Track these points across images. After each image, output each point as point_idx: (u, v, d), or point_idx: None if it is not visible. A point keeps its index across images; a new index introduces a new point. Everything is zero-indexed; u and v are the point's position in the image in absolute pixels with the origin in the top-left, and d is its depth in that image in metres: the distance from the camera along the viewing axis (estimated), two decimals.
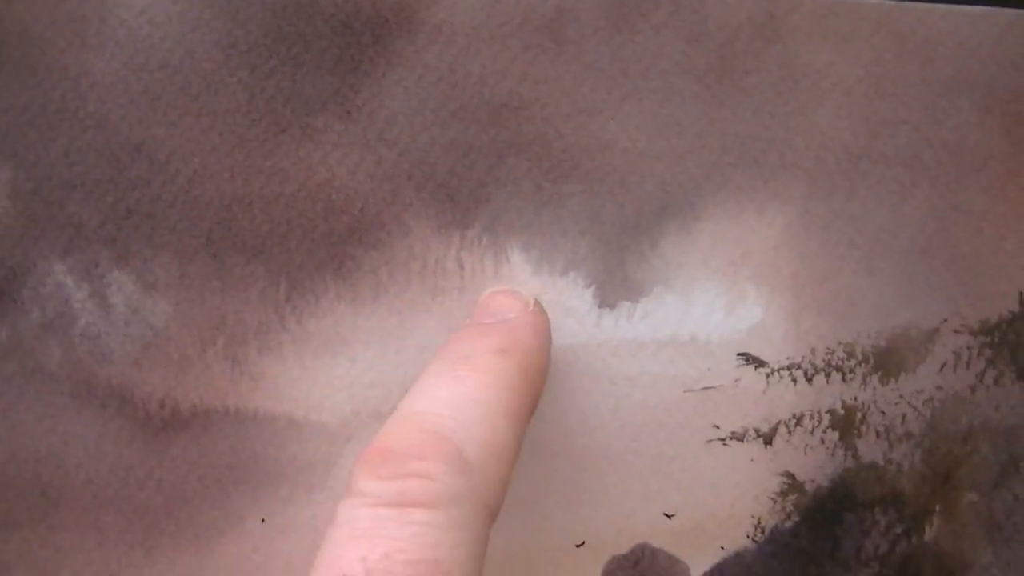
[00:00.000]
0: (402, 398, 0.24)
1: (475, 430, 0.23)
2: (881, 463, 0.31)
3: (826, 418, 0.31)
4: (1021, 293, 0.31)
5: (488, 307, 0.29)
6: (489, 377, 0.24)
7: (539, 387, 0.26)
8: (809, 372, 0.31)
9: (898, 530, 0.31)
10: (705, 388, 0.31)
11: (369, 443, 0.23)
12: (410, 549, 0.20)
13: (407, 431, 0.22)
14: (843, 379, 0.31)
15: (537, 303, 0.28)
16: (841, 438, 0.31)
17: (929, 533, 0.31)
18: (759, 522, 0.31)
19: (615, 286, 0.31)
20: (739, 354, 0.31)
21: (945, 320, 0.31)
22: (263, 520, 0.30)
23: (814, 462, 0.31)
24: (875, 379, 0.31)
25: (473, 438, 0.22)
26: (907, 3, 0.35)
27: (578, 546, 0.31)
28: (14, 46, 0.31)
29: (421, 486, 0.21)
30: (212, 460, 0.31)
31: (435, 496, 0.21)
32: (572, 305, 0.31)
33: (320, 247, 0.31)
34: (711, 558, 0.31)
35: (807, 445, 0.31)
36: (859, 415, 0.31)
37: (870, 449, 0.31)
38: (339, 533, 0.21)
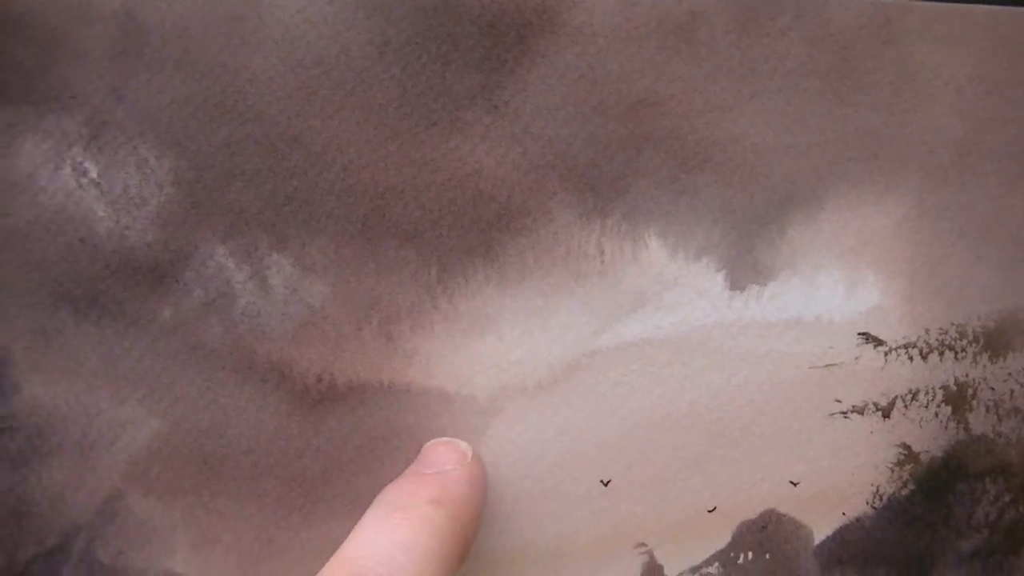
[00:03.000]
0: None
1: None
2: (991, 436, 0.33)
3: (940, 393, 0.32)
4: None
5: (428, 457, 0.30)
6: (422, 525, 0.26)
7: (471, 534, 0.28)
8: (924, 351, 0.32)
9: (1006, 499, 0.33)
10: (828, 365, 0.32)
11: None
12: None
13: (340, 575, 0.25)
14: (955, 357, 0.32)
15: (475, 455, 0.29)
16: (953, 412, 0.33)
17: None
18: (878, 490, 0.33)
19: (745, 270, 0.32)
20: (859, 334, 0.32)
21: None
22: None
23: (928, 434, 0.33)
24: (985, 358, 0.33)
25: None
26: (1014, 8, 0.37)
27: (710, 511, 0.32)
28: (175, 44, 0.31)
29: None
30: (367, 431, 0.32)
31: None
32: (705, 287, 0.32)
33: (469, 232, 0.32)
34: (833, 523, 0.32)
35: (922, 418, 0.32)
36: (970, 391, 0.33)
37: (980, 422, 0.33)
38: None
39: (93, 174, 0.32)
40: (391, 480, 0.32)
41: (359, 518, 0.31)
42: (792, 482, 0.32)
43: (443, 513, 0.26)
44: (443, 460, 0.29)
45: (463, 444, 0.30)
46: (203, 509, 0.32)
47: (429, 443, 0.31)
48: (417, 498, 0.26)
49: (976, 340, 0.32)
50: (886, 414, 0.32)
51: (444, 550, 0.25)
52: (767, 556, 0.32)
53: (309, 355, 0.32)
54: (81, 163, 0.32)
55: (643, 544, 0.32)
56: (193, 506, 0.32)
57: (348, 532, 0.32)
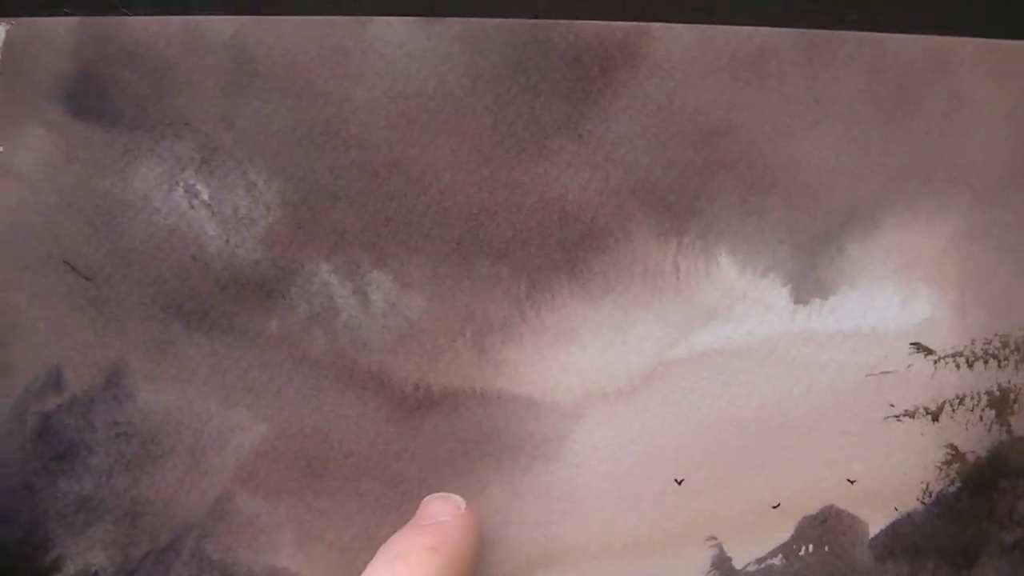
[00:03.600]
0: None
1: None
2: None
3: (984, 398, 0.34)
4: None
5: (425, 511, 0.32)
6: (420, 570, 0.28)
7: None
8: (970, 359, 0.34)
9: None
10: (883, 373, 0.34)
11: None
12: None
13: None
14: (999, 365, 0.34)
15: (468, 507, 0.32)
16: (997, 415, 0.35)
17: None
18: (927, 487, 0.35)
19: (808, 285, 0.34)
20: (911, 344, 0.34)
21: None
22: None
23: (974, 436, 0.35)
24: None
25: None
26: None
27: (774, 507, 0.34)
28: (282, 75, 0.33)
29: None
30: (460, 435, 0.34)
31: None
32: (771, 301, 0.34)
33: (556, 251, 0.34)
34: (886, 518, 0.34)
35: (968, 421, 0.34)
36: (1012, 396, 0.35)
37: (1021, 425, 0.35)
38: None
39: (204, 196, 0.34)
40: (481, 481, 0.35)
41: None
42: (849, 480, 0.34)
43: (439, 559, 0.29)
44: (439, 512, 0.31)
45: (457, 498, 0.32)
46: (307, 508, 0.34)
47: (427, 498, 0.33)
48: (415, 546, 0.29)
49: (1018, 349, 0.35)
50: (935, 418, 0.34)
51: None
52: (826, 548, 0.35)
53: (407, 365, 0.34)
54: (193, 185, 0.34)
55: (713, 537, 0.35)
56: (297, 506, 0.34)
57: None
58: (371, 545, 0.34)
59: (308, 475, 0.34)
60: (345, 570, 0.34)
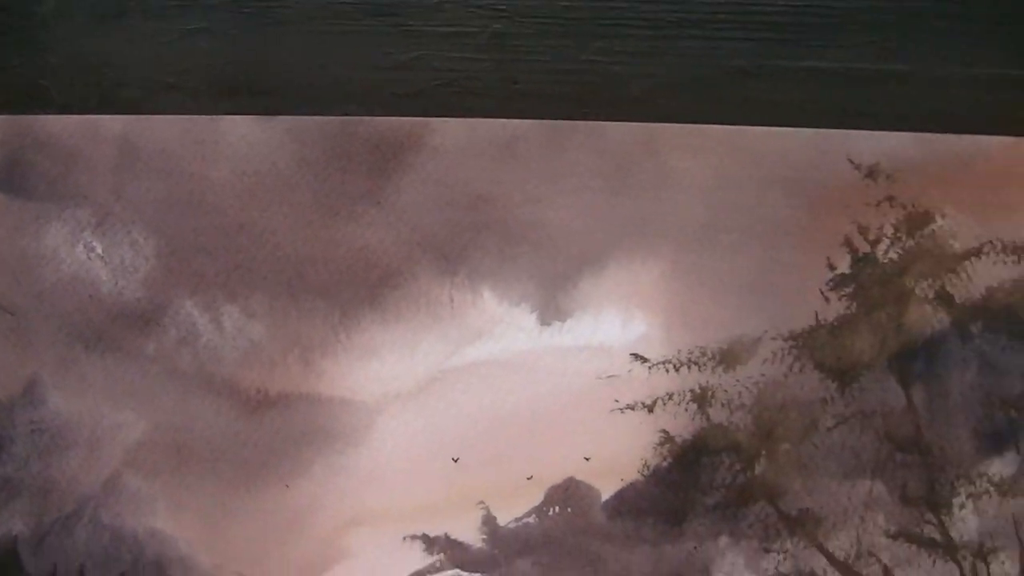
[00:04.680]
0: None
1: None
2: (725, 424, 0.45)
3: (689, 394, 0.45)
4: (816, 312, 0.46)
5: None
6: None
7: None
8: (677, 365, 0.45)
9: (737, 467, 0.45)
10: (609, 376, 0.45)
11: None
12: None
13: None
14: (699, 369, 0.45)
15: None
16: (699, 408, 0.45)
17: (758, 469, 0.46)
18: (646, 463, 0.45)
19: (551, 311, 0.45)
20: (631, 354, 0.45)
21: (765, 331, 0.45)
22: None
23: (681, 423, 0.45)
24: (720, 369, 0.45)
25: None
26: (743, 127, 0.52)
27: (528, 479, 0.45)
28: (158, 159, 0.45)
29: None
30: (291, 428, 0.45)
31: None
32: (523, 324, 0.45)
33: (361, 288, 0.45)
34: (615, 486, 0.45)
35: (676, 412, 0.45)
36: (710, 392, 0.45)
37: (718, 414, 0.45)
38: None
39: (99, 250, 0.46)
40: (307, 462, 0.46)
41: (283, 489, 0.45)
42: (586, 458, 0.46)
43: None
44: None
45: None
46: (176, 483, 0.46)
47: None
48: None
49: (714, 357, 0.46)
50: (651, 410, 0.46)
51: None
52: (568, 510, 0.46)
53: (251, 375, 0.46)
54: (90, 242, 0.46)
55: (482, 503, 0.46)
56: (169, 482, 0.46)
57: (278, 499, 0.46)
58: (225, 511, 0.45)
59: (177, 459, 0.45)
60: (205, 529, 0.45)
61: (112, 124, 0.45)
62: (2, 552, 0.45)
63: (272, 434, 0.45)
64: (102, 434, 0.45)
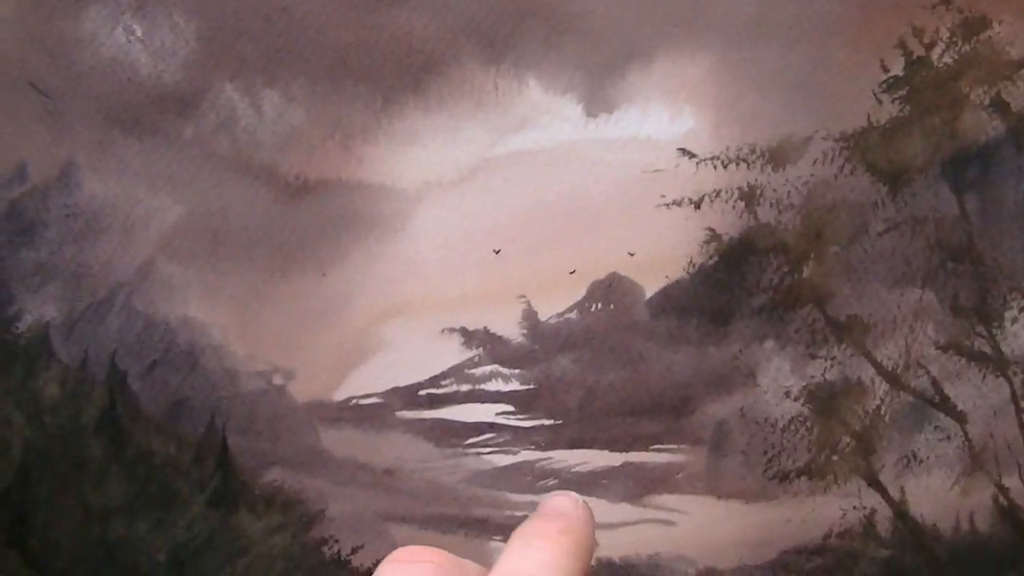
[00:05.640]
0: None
1: None
2: (773, 223, 0.44)
3: (736, 192, 0.44)
4: (868, 114, 0.45)
5: (550, 506, 0.33)
6: (558, 549, 0.30)
7: (588, 561, 0.31)
8: (725, 161, 0.44)
9: (785, 269, 0.44)
10: (656, 171, 0.44)
11: None
12: None
13: None
14: (748, 167, 0.44)
15: (584, 502, 0.33)
16: (746, 206, 0.44)
17: (806, 272, 0.45)
18: (691, 260, 0.44)
19: (597, 103, 0.44)
20: (678, 149, 0.44)
21: (816, 131, 0.44)
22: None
23: (728, 221, 0.44)
24: (769, 168, 0.44)
25: None
26: None
27: (571, 273, 0.44)
28: None
29: None
30: (329, 213, 0.44)
31: None
32: (568, 114, 0.44)
33: (404, 74, 0.44)
34: (659, 283, 0.44)
35: (723, 210, 0.44)
36: (758, 191, 0.44)
37: (766, 214, 0.44)
38: None
39: (139, 33, 0.46)
40: (344, 248, 0.45)
41: (320, 277, 0.45)
42: (630, 253, 0.45)
43: (572, 539, 0.36)
44: (562, 506, 0.39)
45: (574, 494, 0.40)
46: (211, 270, 0.45)
47: (549, 496, 0.40)
48: (550, 529, 0.37)
49: (763, 155, 0.45)
50: (697, 206, 0.45)
51: (575, 569, 0.36)
52: (611, 306, 0.45)
53: (289, 160, 0.45)
54: (130, 25, 0.45)
55: (523, 296, 0.45)
56: (204, 268, 0.45)
57: (313, 285, 0.45)
58: (259, 297, 0.45)
59: (213, 244, 0.45)
60: (238, 317, 0.45)
61: None
62: (34, 338, 0.45)
63: (309, 220, 0.44)
64: (137, 219, 0.45)
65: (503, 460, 0.45)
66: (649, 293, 0.44)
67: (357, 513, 0.45)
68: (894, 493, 0.46)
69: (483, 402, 0.44)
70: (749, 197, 0.45)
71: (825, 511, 0.46)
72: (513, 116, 0.44)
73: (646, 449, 0.45)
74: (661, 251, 0.44)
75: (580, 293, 0.44)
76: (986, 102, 0.46)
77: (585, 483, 0.45)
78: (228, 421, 0.45)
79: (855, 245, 0.45)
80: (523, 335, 0.44)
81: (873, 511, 0.46)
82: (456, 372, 0.44)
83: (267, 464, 0.45)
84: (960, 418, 0.47)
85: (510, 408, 0.44)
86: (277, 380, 0.45)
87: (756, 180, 0.45)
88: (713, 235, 0.45)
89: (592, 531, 0.35)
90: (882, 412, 0.46)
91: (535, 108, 0.44)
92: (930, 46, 0.46)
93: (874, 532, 0.46)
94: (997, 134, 0.46)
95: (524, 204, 0.44)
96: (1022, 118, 0.46)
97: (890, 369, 0.45)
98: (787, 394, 0.45)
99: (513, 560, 0.36)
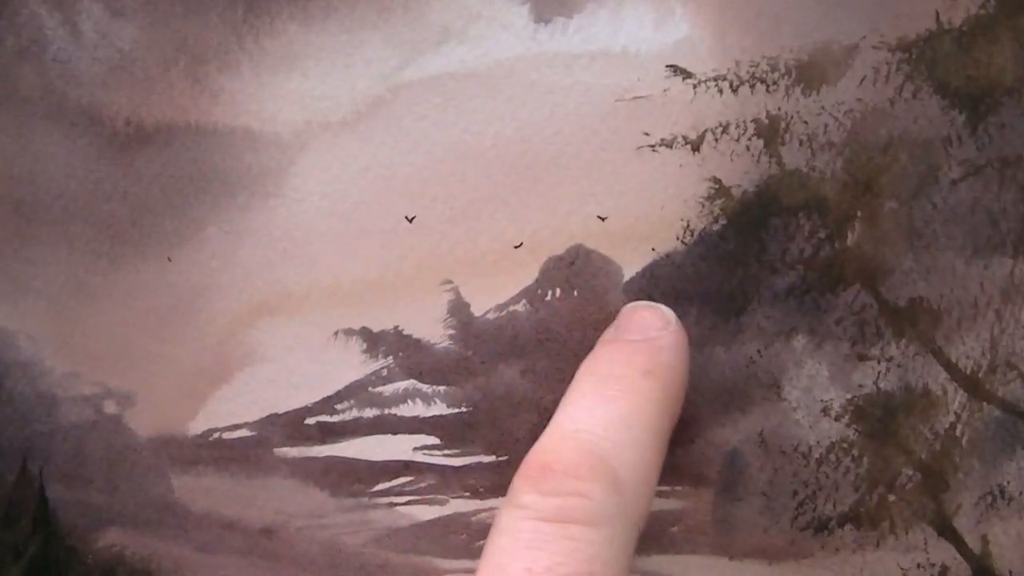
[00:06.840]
0: (556, 409, 0.27)
1: (627, 452, 0.25)
2: (805, 170, 0.32)
3: (751, 127, 0.32)
4: (937, 12, 0.32)
5: (631, 323, 0.29)
6: (638, 399, 0.26)
7: (679, 407, 0.28)
8: (734, 83, 0.32)
9: (821, 235, 0.32)
10: (635, 98, 0.31)
11: (529, 457, 0.25)
12: (568, 563, 0.23)
13: (566, 449, 0.25)
14: (767, 90, 0.32)
15: (677, 321, 0.29)
16: (766, 146, 0.32)
17: (852, 238, 0.32)
18: (688, 224, 0.32)
19: (549, 2, 0.31)
20: (667, 66, 0.31)
21: (864, 37, 0.32)
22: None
23: (740, 168, 0.32)
24: (797, 91, 0.32)
25: (626, 460, 0.25)
26: None
27: (516, 247, 0.32)
28: None
29: (579, 504, 0.24)
30: (174, 172, 0.32)
31: (592, 514, 0.24)
32: (509, 20, 0.31)
33: None
34: (643, 259, 0.32)
35: (733, 152, 0.32)
36: (783, 124, 0.32)
37: (794, 156, 0.32)
38: (503, 541, 0.24)
39: None
40: (197, 222, 0.32)
41: (165, 260, 0.32)
42: (600, 217, 0.31)
43: (656, 384, 0.26)
44: (648, 326, 0.28)
45: (665, 309, 0.29)
46: (14, 256, 0.32)
47: (629, 306, 0.29)
48: (631, 368, 0.26)
49: (788, 73, 0.32)
50: (696, 147, 0.32)
51: (659, 424, 0.26)
52: (575, 293, 0.32)
53: (118, 98, 0.32)
54: None
55: (449, 281, 0.32)
56: (4, 254, 0.32)
57: (156, 274, 0.33)
58: (81, 293, 0.32)
59: (15, 220, 0.32)
60: (54, 322, 0.32)
61: None
62: None
63: (148, 181, 0.32)
64: None
65: (426, 513, 0.33)
66: (629, 274, 0.32)
67: None
68: (973, 544, 0.34)
69: (396, 432, 0.32)
70: (770, 133, 0.32)
71: (878, 571, 0.33)
72: (430, 25, 0.32)
73: None
74: (645, 213, 0.31)
75: (531, 276, 0.32)
76: None
77: None
78: (46, 465, 0.33)
79: (920, 199, 0.32)
80: (450, 337, 0.32)
81: (945, 568, 0.33)
82: (357, 391, 0.32)
83: (102, 523, 0.33)
84: None
85: (434, 440, 0.32)
86: (110, 408, 0.33)
87: (779, 109, 0.32)
88: (719, 188, 0.32)
89: (685, 366, 0.29)
90: (958, 433, 0.33)
91: (461, 13, 0.31)
92: None
93: None
94: None
95: (448, 149, 0.31)
96: None
97: (969, 373, 0.33)
98: (825, 411, 0.33)
99: (582, 410, 0.26)
